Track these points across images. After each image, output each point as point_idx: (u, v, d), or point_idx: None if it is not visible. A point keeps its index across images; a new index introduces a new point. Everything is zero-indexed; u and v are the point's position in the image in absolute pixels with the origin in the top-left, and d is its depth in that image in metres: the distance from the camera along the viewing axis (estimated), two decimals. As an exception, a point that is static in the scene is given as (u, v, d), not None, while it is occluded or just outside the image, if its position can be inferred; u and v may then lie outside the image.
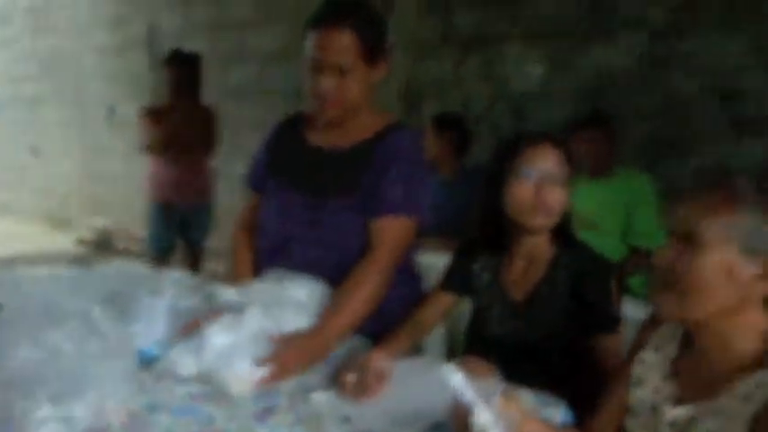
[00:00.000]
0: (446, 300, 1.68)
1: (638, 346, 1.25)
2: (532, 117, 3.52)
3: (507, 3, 3.60)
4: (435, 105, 3.82)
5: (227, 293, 1.49)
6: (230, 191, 3.90)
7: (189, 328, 1.42)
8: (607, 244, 2.87)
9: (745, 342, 1.07)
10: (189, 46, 4.15)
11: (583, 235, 2.84)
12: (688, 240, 1.06)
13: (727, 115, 2.99)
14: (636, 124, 3.14)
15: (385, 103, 3.97)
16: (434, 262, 1.86)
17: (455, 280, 1.68)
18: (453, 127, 3.37)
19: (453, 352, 2.03)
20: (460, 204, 2.76)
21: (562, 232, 1.58)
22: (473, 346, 1.70)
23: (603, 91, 3.30)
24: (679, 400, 1.13)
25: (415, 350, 1.68)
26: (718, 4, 3.02)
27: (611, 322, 1.51)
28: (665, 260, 1.09)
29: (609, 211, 2.90)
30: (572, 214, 1.60)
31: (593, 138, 2.92)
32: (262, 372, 1.35)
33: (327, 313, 1.52)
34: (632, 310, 1.62)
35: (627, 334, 1.50)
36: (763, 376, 1.03)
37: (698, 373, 1.12)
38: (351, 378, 1.35)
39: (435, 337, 2.06)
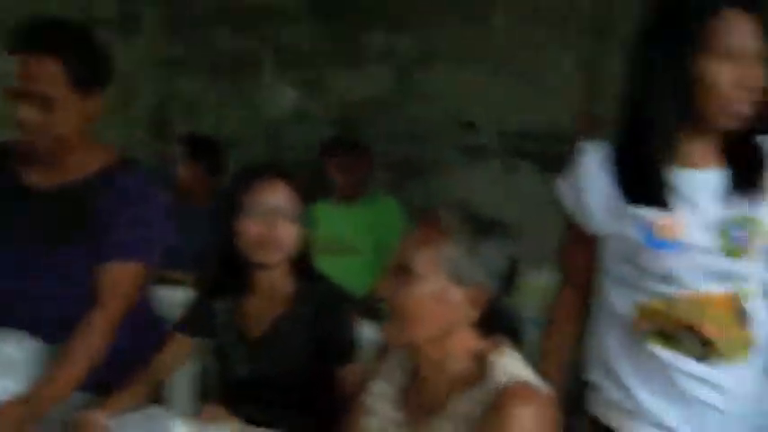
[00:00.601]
0: (184, 343, 1.65)
1: (370, 375, 1.32)
2: (287, 142, 3.61)
3: (260, 25, 3.66)
4: (187, 128, 3.74)
5: None
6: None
7: None
8: (363, 267, 3.02)
9: (458, 364, 1.19)
10: None
11: (339, 259, 3.00)
12: (403, 271, 1.16)
13: (463, 142, 3.34)
14: (384, 149, 3.35)
15: (133, 125, 3.84)
16: (186, 298, 1.81)
17: (193, 321, 1.65)
18: (206, 152, 3.32)
19: (205, 395, 1.99)
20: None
21: (301, 265, 1.62)
22: (219, 388, 1.69)
23: (355, 116, 3.49)
24: (405, 427, 1.22)
25: (156, 399, 1.63)
26: (454, 40, 3.36)
27: (349, 354, 1.59)
28: (384, 290, 1.18)
29: (363, 235, 3.06)
30: (310, 247, 1.65)
31: (345, 162, 3.06)
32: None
33: (46, 373, 1.42)
34: (373, 336, 1.71)
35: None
36: (470, 395, 1.15)
37: (422, 397, 1.23)
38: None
39: (182, 382, 2.01)
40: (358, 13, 3.53)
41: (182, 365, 1.70)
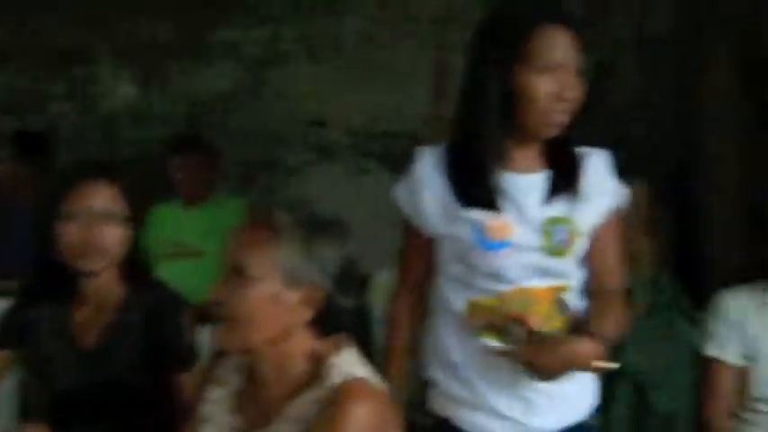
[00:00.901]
0: (2, 359, 1.55)
1: (204, 382, 1.31)
2: (126, 140, 3.47)
3: (93, 15, 3.49)
4: (13, 125, 3.50)
5: None
6: None
7: None
8: (210, 271, 2.95)
9: (296, 365, 1.20)
10: None
11: (184, 264, 2.92)
12: (236, 274, 1.16)
13: (314, 142, 3.37)
14: (230, 149, 3.31)
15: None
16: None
17: (9, 334, 1.56)
18: (34, 149, 3.14)
19: (26, 413, 1.88)
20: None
21: (132, 270, 1.57)
22: (42, 404, 1.60)
23: (199, 114, 3.42)
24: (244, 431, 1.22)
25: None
26: (305, 37, 3.37)
27: (187, 360, 1.56)
28: (217, 294, 1.17)
29: (210, 239, 2.98)
30: (141, 250, 1.61)
31: (190, 162, 2.98)
32: None
33: None
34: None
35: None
36: (309, 395, 1.16)
37: (259, 402, 1.22)
38: None
39: (3, 400, 1.89)
40: (204, 7, 3.46)
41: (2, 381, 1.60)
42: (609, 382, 2.50)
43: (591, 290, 1.45)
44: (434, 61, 3.38)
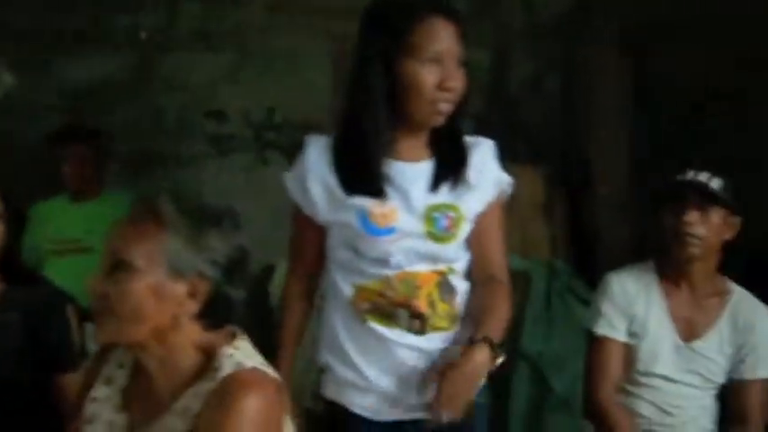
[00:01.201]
0: None
1: (89, 381, 1.29)
2: (5, 131, 3.32)
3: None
4: None
5: None
6: None
7: None
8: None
9: (185, 358, 1.21)
10: None
11: (73, 260, 2.84)
12: (119, 266, 1.15)
13: (211, 133, 3.33)
14: (123, 140, 3.24)
15: None
16: None
17: None
18: None
19: None
20: None
21: (8, 268, 1.53)
22: None
23: (89, 104, 3.32)
24: (129, 429, 1.21)
25: None
26: (197, 23, 3.32)
27: (72, 359, 1.54)
28: (97, 288, 1.16)
29: (99, 234, 2.90)
30: (18, 249, 1.57)
31: (77, 155, 2.90)
32: None
33: None
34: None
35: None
36: (199, 388, 1.17)
37: (149, 397, 1.22)
38: None
39: None
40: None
41: None
42: (508, 365, 2.61)
43: (474, 277, 1.51)
44: (334, 50, 3.40)
